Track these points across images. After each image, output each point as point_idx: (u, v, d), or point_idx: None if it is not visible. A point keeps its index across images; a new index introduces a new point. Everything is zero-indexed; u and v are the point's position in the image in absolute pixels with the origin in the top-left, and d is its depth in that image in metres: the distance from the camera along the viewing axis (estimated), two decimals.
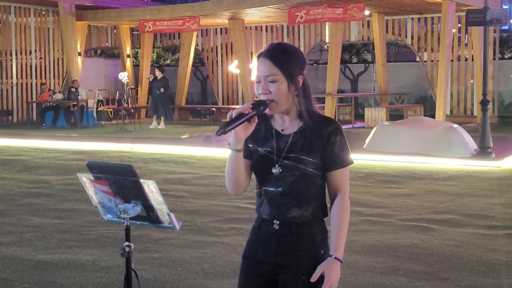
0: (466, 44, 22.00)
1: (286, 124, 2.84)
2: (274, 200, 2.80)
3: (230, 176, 2.80)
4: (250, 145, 2.84)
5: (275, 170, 2.78)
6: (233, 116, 2.63)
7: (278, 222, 2.79)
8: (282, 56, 2.76)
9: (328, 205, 2.87)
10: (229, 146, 2.73)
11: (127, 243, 2.97)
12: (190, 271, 5.94)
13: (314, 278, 2.72)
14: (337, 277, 2.75)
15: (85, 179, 2.94)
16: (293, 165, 2.76)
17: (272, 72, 2.73)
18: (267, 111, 2.75)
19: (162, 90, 20.40)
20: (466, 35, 21.87)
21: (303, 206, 2.78)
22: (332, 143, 2.78)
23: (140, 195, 2.84)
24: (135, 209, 2.89)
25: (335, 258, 2.76)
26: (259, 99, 2.74)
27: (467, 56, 21.87)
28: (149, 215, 2.90)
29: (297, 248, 2.78)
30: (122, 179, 2.83)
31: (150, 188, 2.80)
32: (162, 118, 20.74)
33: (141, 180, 2.79)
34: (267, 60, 2.75)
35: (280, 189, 2.78)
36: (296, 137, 2.80)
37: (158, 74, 20.69)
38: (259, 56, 2.79)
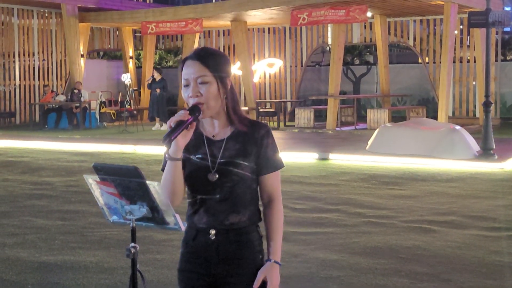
0: (468, 46, 22.02)
1: (217, 130, 2.80)
2: (211, 208, 2.76)
3: (169, 187, 2.73)
4: (182, 154, 2.74)
5: (211, 177, 2.73)
6: (172, 125, 2.61)
7: (214, 232, 2.75)
8: (211, 58, 2.72)
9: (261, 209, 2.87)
10: (168, 157, 2.67)
11: (132, 244, 2.98)
12: None
13: (256, 284, 2.72)
14: (278, 281, 2.75)
15: (91, 181, 2.95)
16: (231, 170, 2.73)
17: (202, 74, 2.69)
18: (198, 117, 2.70)
19: (157, 90, 20.41)
20: (468, 37, 21.88)
21: (240, 212, 2.76)
22: (265, 146, 2.77)
23: (146, 197, 2.85)
24: (141, 210, 2.90)
25: (274, 261, 2.77)
26: (192, 104, 2.69)
27: (469, 58, 21.88)
28: (155, 216, 2.91)
29: (237, 256, 2.77)
30: (128, 181, 2.84)
31: (156, 189, 2.81)
32: (158, 119, 20.72)
33: (147, 182, 2.81)
34: (196, 62, 2.71)
35: (217, 195, 2.74)
36: (230, 142, 2.76)
37: (157, 76, 20.73)
38: (185, 60, 2.75)
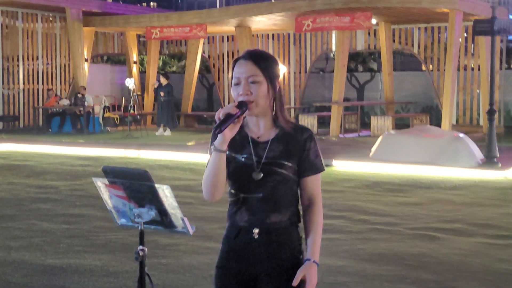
0: (472, 54, 22.00)
1: (262, 131, 2.86)
2: (253, 207, 2.80)
3: (211, 180, 2.77)
4: (227, 153, 2.79)
5: (256, 176, 2.79)
6: (221, 117, 2.66)
7: (257, 231, 2.80)
8: (263, 59, 2.80)
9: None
10: (214, 148, 2.73)
11: (141, 247, 2.98)
12: (199, 277, 5.95)
13: (296, 282, 2.74)
14: (316, 280, 2.78)
15: (100, 184, 2.95)
16: (274, 170, 2.79)
17: (253, 73, 2.76)
18: (246, 112, 2.77)
19: (162, 94, 20.39)
20: (473, 45, 21.87)
21: (281, 212, 2.81)
22: (307, 149, 2.84)
23: (154, 200, 2.85)
24: (149, 213, 2.90)
25: (314, 261, 2.79)
26: (240, 100, 2.75)
27: (473, 65, 21.87)
28: (163, 219, 2.91)
29: (277, 255, 2.81)
30: (137, 184, 2.84)
31: (165, 192, 2.82)
32: (162, 125, 20.73)
33: (156, 185, 2.81)
34: (249, 61, 2.78)
35: (260, 194, 2.79)
36: (274, 143, 2.82)
37: (163, 81, 20.72)
38: (237, 60, 2.82)
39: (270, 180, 2.79)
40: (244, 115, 2.74)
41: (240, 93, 2.77)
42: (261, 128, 2.86)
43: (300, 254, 2.86)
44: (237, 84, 2.79)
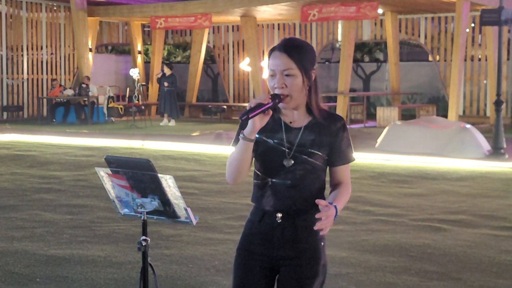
0: (479, 44, 21.89)
1: (295, 117, 2.87)
2: (280, 192, 2.82)
3: (236, 165, 2.79)
4: (257, 136, 2.81)
5: (287, 163, 2.81)
6: (252, 105, 2.66)
7: (280, 215, 2.82)
8: (297, 51, 2.79)
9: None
10: (242, 136, 2.73)
11: (143, 237, 2.95)
12: (202, 268, 5.92)
13: (321, 203, 2.69)
14: (332, 216, 2.72)
15: (103, 173, 2.92)
16: (305, 158, 2.81)
17: (288, 66, 2.76)
18: (280, 105, 2.79)
19: (166, 84, 20.34)
20: (480, 35, 21.76)
21: (308, 200, 2.83)
22: (340, 139, 2.87)
23: (157, 190, 2.82)
24: (152, 203, 2.87)
25: (334, 205, 2.77)
26: (274, 93, 2.77)
27: (480, 56, 21.77)
28: (166, 210, 2.88)
29: (299, 240, 2.84)
30: (140, 174, 2.81)
31: (168, 183, 2.78)
32: (166, 115, 20.71)
33: (159, 175, 2.77)
34: (283, 54, 2.78)
35: (288, 181, 2.81)
36: (307, 131, 2.83)
37: (167, 71, 20.68)
38: (273, 50, 2.82)
39: (300, 168, 2.81)
40: (276, 106, 2.74)
41: (275, 86, 2.78)
42: (294, 114, 2.87)
43: (322, 241, 2.91)
44: (272, 75, 2.80)
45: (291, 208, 2.81)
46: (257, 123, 2.69)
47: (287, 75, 2.77)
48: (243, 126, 2.79)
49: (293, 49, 2.79)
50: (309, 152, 2.81)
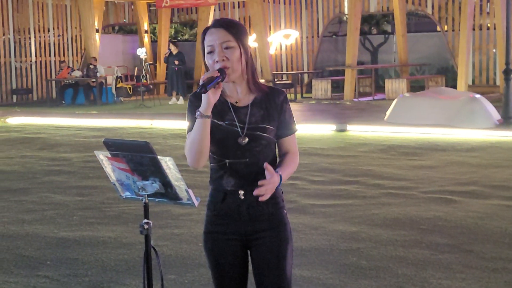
0: (488, 13, 21.67)
1: (240, 96, 2.92)
2: (239, 171, 2.87)
3: (196, 146, 2.80)
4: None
5: (241, 141, 2.85)
6: (205, 80, 2.72)
7: (242, 192, 2.87)
8: (233, 26, 2.87)
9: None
10: (199, 114, 2.77)
11: (145, 220, 2.93)
12: None
13: (268, 168, 2.77)
14: (275, 184, 2.79)
15: (103, 157, 2.90)
16: (259, 134, 2.87)
17: (227, 39, 2.83)
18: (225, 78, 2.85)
19: (176, 62, 20.31)
20: (488, 4, 21.53)
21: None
22: (284, 110, 2.94)
23: (158, 172, 2.79)
24: (153, 186, 2.85)
25: (280, 174, 2.83)
26: (219, 67, 2.80)
27: (489, 25, 21.56)
28: (168, 192, 2.86)
29: (265, 212, 2.90)
30: (139, 156, 2.78)
31: (168, 164, 2.76)
32: (174, 93, 20.68)
33: (159, 157, 2.75)
34: (220, 29, 2.85)
35: (247, 159, 2.86)
36: (254, 108, 2.89)
37: (173, 49, 20.62)
38: (207, 29, 2.89)
39: (256, 145, 2.87)
40: (223, 80, 2.79)
41: (216, 60, 2.83)
42: (238, 93, 2.92)
43: (284, 209, 2.97)
44: (210, 52, 2.85)
45: (252, 184, 2.82)
46: (211, 98, 2.75)
47: (226, 48, 2.82)
48: (191, 109, 2.88)
49: (228, 23, 2.87)
50: (261, 127, 2.87)
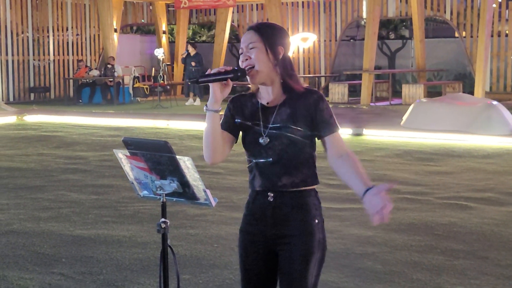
0: (507, 20, 21.56)
1: (271, 98, 2.92)
2: (265, 171, 2.88)
3: (208, 140, 2.86)
4: (238, 120, 2.93)
5: (262, 140, 2.86)
6: (211, 72, 2.78)
7: (272, 194, 2.87)
8: (265, 27, 2.91)
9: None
10: (206, 109, 2.81)
11: (163, 219, 2.95)
12: (226, 247, 5.93)
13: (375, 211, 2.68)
14: (390, 203, 2.69)
15: (121, 155, 2.91)
16: (280, 133, 2.85)
17: (252, 40, 2.87)
18: (249, 79, 2.87)
19: (193, 64, 20.35)
20: (507, 10, 21.42)
21: (292, 174, 2.87)
22: (320, 110, 2.87)
23: (176, 172, 2.81)
24: (171, 185, 2.86)
25: (373, 187, 2.73)
26: (240, 67, 2.86)
27: (507, 31, 21.44)
28: (185, 191, 2.87)
29: (290, 218, 2.86)
30: (158, 156, 2.80)
31: (186, 164, 2.77)
32: (192, 94, 20.71)
33: (177, 157, 2.76)
34: (251, 31, 2.91)
35: (270, 159, 2.86)
36: (282, 108, 2.89)
37: (191, 50, 20.66)
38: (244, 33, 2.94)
39: (278, 144, 2.85)
40: (235, 78, 2.82)
41: (241, 60, 2.88)
42: (270, 94, 2.92)
43: (316, 219, 2.89)
44: (241, 54, 2.92)
45: (277, 185, 2.85)
46: (217, 93, 2.80)
47: (251, 48, 2.86)
48: (225, 110, 2.94)
49: (260, 26, 2.91)
50: (284, 127, 2.85)
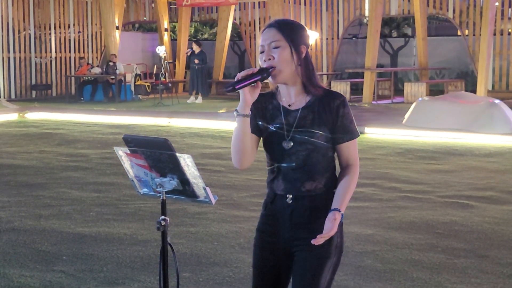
0: (509, 18, 21.54)
1: (293, 99, 2.85)
2: (288, 175, 2.82)
3: (237, 145, 2.79)
4: (260, 123, 2.85)
5: (286, 145, 2.80)
6: (240, 78, 2.68)
7: (291, 196, 2.83)
8: (286, 25, 2.81)
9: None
10: (236, 113, 2.75)
11: (163, 217, 2.95)
12: (226, 245, 5.93)
13: (324, 232, 2.73)
14: (334, 230, 2.75)
15: (121, 153, 2.91)
16: (305, 139, 2.79)
17: (275, 39, 2.78)
18: (270, 80, 2.79)
19: (197, 61, 20.35)
20: (510, 9, 21.39)
21: (316, 179, 2.82)
22: (341, 115, 2.81)
23: (176, 169, 2.80)
24: (171, 183, 2.86)
25: (338, 210, 2.77)
26: (263, 67, 2.78)
27: (510, 30, 21.42)
28: (185, 189, 2.87)
29: (309, 221, 2.83)
30: (158, 153, 2.80)
31: (186, 162, 2.77)
32: (194, 92, 20.72)
33: (177, 154, 2.76)
34: (272, 29, 2.80)
35: (293, 164, 2.81)
36: (305, 111, 2.81)
37: (196, 48, 20.66)
38: (263, 30, 2.84)
39: (302, 149, 2.79)
40: (263, 79, 2.73)
41: (264, 59, 2.79)
42: (292, 96, 2.85)
43: None
44: (262, 52, 2.81)
45: (300, 190, 2.81)
46: (248, 96, 2.71)
47: (274, 48, 2.77)
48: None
49: (282, 23, 2.81)
50: (308, 132, 2.79)
